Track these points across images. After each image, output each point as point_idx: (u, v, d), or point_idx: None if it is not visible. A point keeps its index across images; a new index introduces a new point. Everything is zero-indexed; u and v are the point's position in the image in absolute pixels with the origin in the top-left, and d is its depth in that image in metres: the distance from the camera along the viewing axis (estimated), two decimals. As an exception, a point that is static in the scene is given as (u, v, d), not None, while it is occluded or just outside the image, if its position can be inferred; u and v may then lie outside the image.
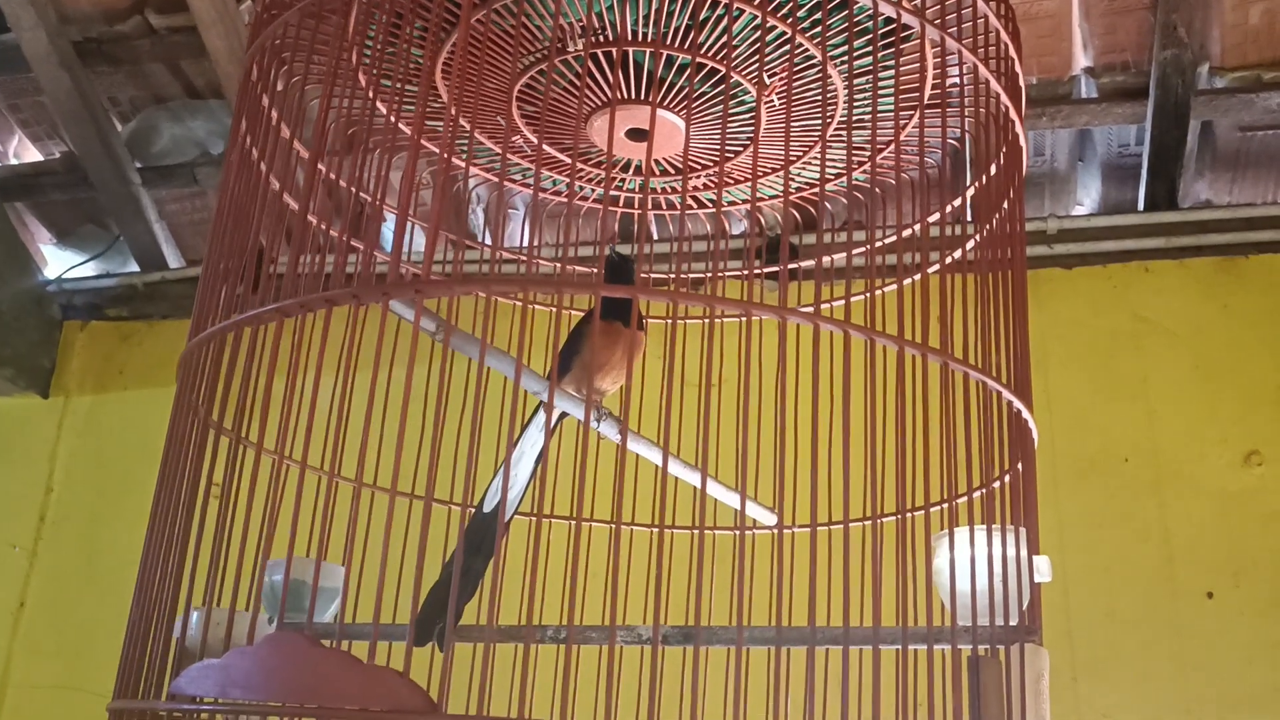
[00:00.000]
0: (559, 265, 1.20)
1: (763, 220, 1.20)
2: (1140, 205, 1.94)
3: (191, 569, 0.76)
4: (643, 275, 1.32)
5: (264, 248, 0.83)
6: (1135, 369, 1.84)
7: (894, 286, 0.79)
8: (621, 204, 1.17)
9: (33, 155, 2.35)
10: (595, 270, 0.76)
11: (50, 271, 2.36)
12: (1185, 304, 1.86)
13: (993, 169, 0.92)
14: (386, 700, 0.60)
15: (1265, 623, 1.66)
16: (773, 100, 0.97)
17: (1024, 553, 0.77)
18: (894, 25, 0.85)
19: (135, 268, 2.31)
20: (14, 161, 2.34)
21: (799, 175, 1.10)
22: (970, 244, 0.92)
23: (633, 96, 0.96)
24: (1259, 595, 1.68)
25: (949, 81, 0.95)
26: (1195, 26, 1.78)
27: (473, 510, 1.00)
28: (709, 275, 0.71)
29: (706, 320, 0.72)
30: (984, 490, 0.78)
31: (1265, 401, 1.78)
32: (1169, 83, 1.81)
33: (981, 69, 0.85)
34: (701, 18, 0.88)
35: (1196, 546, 1.72)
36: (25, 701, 2.04)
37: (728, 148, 1.06)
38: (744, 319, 0.69)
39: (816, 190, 1.10)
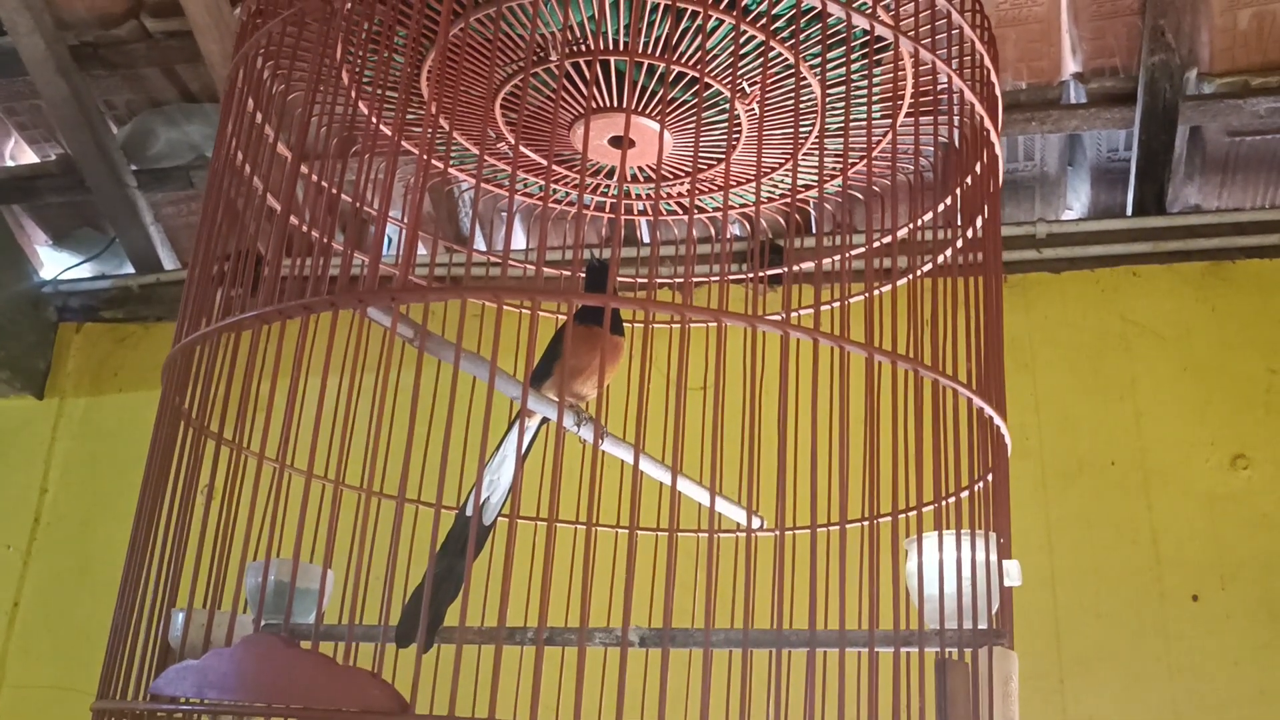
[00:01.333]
0: (536, 269, 1.21)
1: (747, 226, 1.21)
2: (1129, 210, 1.95)
3: (175, 570, 0.77)
4: (622, 279, 1.33)
5: (259, 252, 0.84)
6: (1123, 372, 1.85)
7: (867, 294, 0.80)
8: (607, 209, 1.18)
9: (29, 158, 2.36)
10: (574, 274, 0.77)
11: (46, 273, 2.37)
12: (1173, 307, 1.87)
13: (968, 179, 0.93)
14: (358, 701, 0.61)
15: (1251, 625, 1.67)
16: (753, 109, 0.98)
17: (994, 557, 0.78)
18: (870, 36, 0.86)
19: (130, 270, 2.32)
20: (10, 164, 2.36)
21: (781, 182, 1.12)
22: (946, 253, 0.93)
23: (614, 105, 0.97)
24: (1246, 598, 1.69)
25: (925, 88, 0.96)
26: (1184, 31, 1.79)
27: (455, 513, 1.01)
28: (686, 278, 0.72)
29: (679, 325, 0.73)
30: (956, 496, 0.79)
31: (1253, 405, 1.79)
32: (1157, 88, 1.82)
33: (956, 79, 0.86)
34: (681, 27, 0.89)
35: (1184, 549, 1.73)
36: (20, 702, 2.05)
37: (709, 155, 1.07)
38: (717, 325, 0.70)
39: (800, 198, 1.11)
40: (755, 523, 1.05)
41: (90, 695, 2.27)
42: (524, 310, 0.69)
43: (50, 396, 2.26)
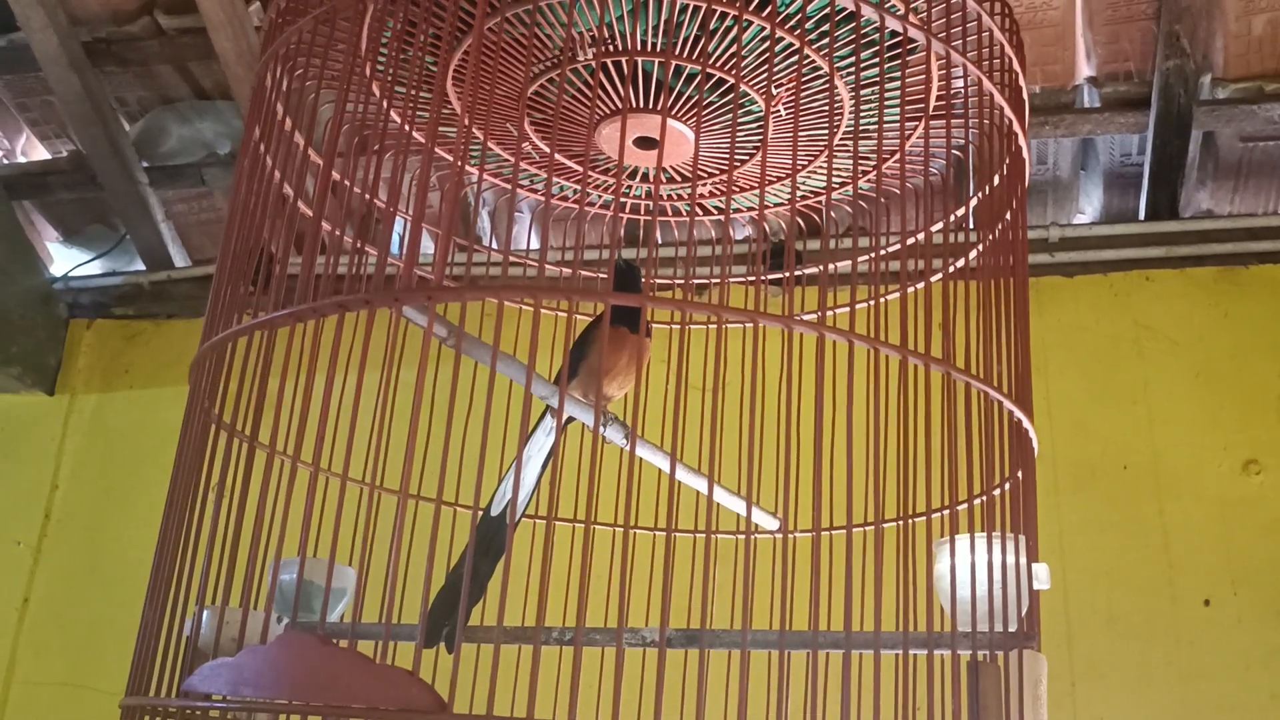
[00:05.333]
0: (569, 270, 1.21)
1: (768, 227, 1.22)
2: (1142, 214, 1.95)
3: (205, 569, 0.77)
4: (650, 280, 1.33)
5: (270, 249, 0.84)
6: (1136, 376, 1.85)
7: (898, 294, 0.81)
8: (629, 210, 1.18)
9: (41, 154, 2.36)
10: (604, 275, 0.77)
11: (57, 270, 2.37)
12: (1186, 312, 1.87)
13: (996, 179, 0.93)
14: (396, 699, 0.61)
15: (1263, 630, 1.67)
16: (780, 110, 0.98)
17: (1023, 560, 0.78)
18: (900, 38, 0.86)
19: (141, 267, 2.32)
20: (22, 160, 2.36)
21: (805, 183, 1.12)
22: (973, 253, 0.93)
23: (642, 105, 0.97)
24: (1257, 603, 1.69)
25: (954, 91, 0.96)
26: (1198, 37, 1.79)
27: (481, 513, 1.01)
28: (716, 281, 0.72)
29: (713, 326, 0.73)
30: (985, 498, 0.79)
31: (1265, 410, 1.79)
32: (1171, 92, 1.83)
33: (986, 82, 0.86)
34: (711, 28, 0.89)
35: (1195, 553, 1.73)
36: (30, 698, 2.05)
37: (736, 156, 1.07)
38: (750, 326, 0.71)
39: (822, 198, 1.12)
40: (774, 525, 1.06)
41: (101, 691, 2.27)
42: (544, 311, 0.69)
43: (61, 393, 2.26)
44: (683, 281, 0.82)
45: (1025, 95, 0.95)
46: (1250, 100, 1.85)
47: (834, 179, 1.06)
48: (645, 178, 1.12)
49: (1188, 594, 1.71)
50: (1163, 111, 1.84)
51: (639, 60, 0.93)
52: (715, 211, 1.16)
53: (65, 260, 2.40)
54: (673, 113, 0.98)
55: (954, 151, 1.02)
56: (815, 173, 1.09)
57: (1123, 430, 1.82)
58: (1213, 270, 1.89)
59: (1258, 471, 1.75)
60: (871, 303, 0.76)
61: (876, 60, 0.86)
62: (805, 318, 0.72)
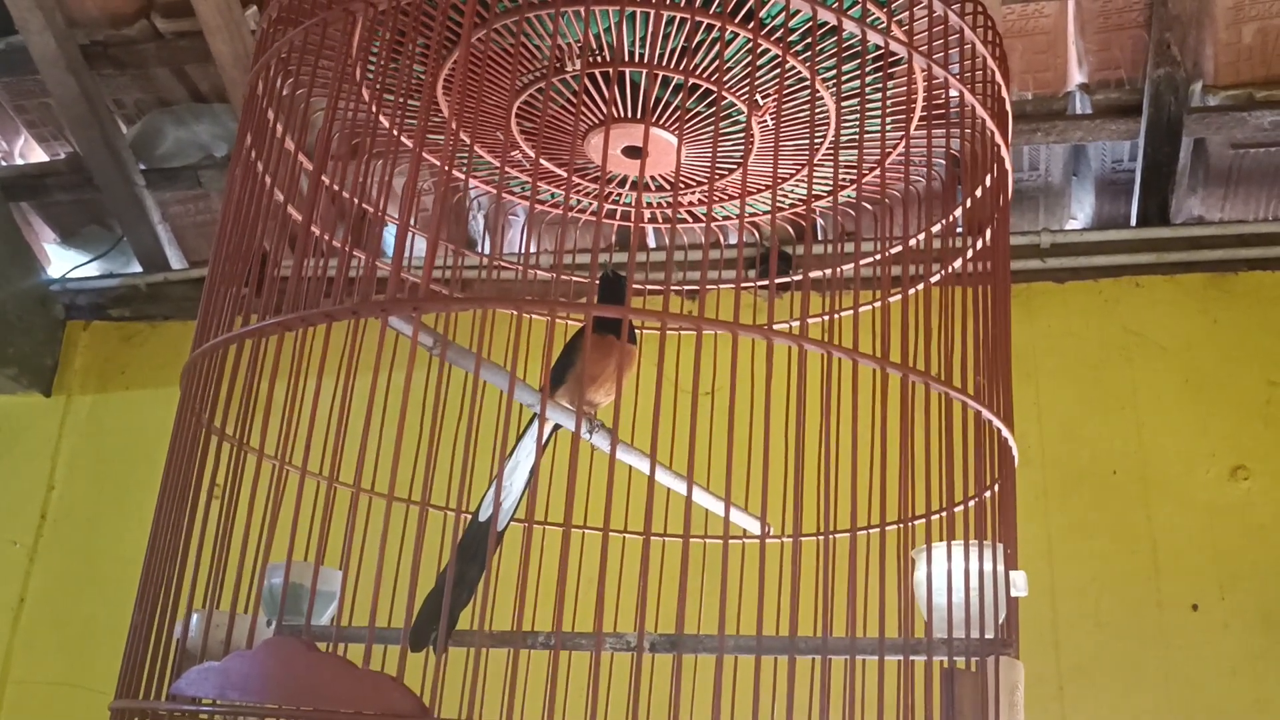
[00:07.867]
0: (554, 275, 1.22)
1: (756, 233, 1.23)
2: (1133, 221, 1.97)
3: (194, 572, 0.78)
4: (635, 286, 1.34)
5: (266, 255, 0.85)
6: (1125, 382, 1.86)
7: (879, 304, 0.82)
8: (617, 217, 1.19)
9: (38, 156, 2.37)
10: (589, 280, 0.78)
11: (54, 271, 2.38)
12: (1176, 319, 1.88)
13: (978, 192, 0.94)
14: (380, 705, 0.62)
15: (1249, 635, 1.69)
16: (765, 120, 1.00)
17: (1001, 567, 0.79)
18: (885, 50, 0.87)
19: (138, 268, 2.33)
20: (19, 162, 2.37)
21: (791, 192, 1.13)
22: (955, 264, 0.94)
23: (628, 115, 0.98)
24: (1244, 608, 1.70)
25: (937, 101, 0.97)
26: (1189, 44, 1.80)
27: (468, 518, 1.02)
28: (700, 288, 0.73)
29: (695, 333, 0.74)
30: (964, 506, 0.80)
31: (1253, 416, 1.80)
32: (1162, 100, 1.84)
33: (968, 96, 0.87)
34: (696, 40, 0.90)
35: (1183, 559, 1.74)
36: (25, 697, 2.06)
37: (721, 165, 1.08)
38: (731, 337, 0.71)
39: (807, 207, 1.13)
40: (757, 528, 1.07)
41: (95, 691, 2.28)
42: (533, 316, 0.70)
43: (58, 394, 2.27)
44: (665, 289, 0.83)
45: (1008, 107, 0.96)
46: (1240, 108, 1.86)
47: (818, 189, 1.08)
48: (634, 185, 1.13)
49: (1175, 599, 1.72)
50: (1153, 118, 1.85)
51: (625, 70, 0.94)
52: (701, 218, 1.17)
53: (62, 262, 2.41)
54: (660, 122, 0.99)
55: (938, 161, 1.03)
56: (801, 182, 1.10)
57: (1111, 436, 1.83)
58: (1202, 277, 1.90)
59: (1245, 477, 1.76)
60: (852, 311, 0.77)
61: (860, 74, 0.87)
62: (786, 326, 0.73)
